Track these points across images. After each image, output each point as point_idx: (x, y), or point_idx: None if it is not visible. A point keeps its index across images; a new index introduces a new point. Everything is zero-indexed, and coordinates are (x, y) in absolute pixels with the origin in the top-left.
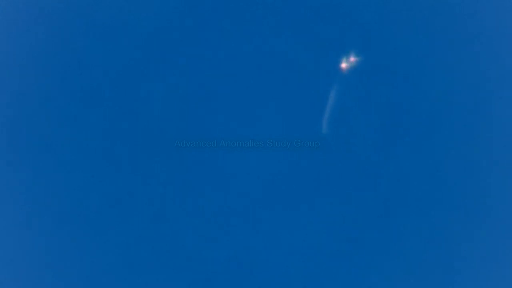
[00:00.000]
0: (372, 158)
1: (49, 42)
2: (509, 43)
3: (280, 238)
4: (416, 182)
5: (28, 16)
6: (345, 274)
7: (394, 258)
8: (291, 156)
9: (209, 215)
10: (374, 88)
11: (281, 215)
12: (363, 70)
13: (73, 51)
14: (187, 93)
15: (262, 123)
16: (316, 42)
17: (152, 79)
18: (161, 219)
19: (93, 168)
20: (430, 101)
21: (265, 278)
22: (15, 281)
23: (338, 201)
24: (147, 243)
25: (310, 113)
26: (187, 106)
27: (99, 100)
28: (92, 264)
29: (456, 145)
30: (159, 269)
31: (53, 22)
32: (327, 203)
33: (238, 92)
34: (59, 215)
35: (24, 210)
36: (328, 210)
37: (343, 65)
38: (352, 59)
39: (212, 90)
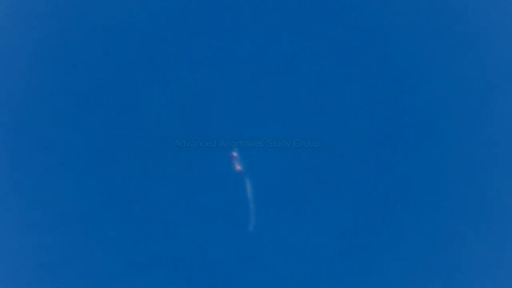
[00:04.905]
0: (372, 158)
1: (49, 43)
2: (509, 43)
3: (279, 237)
4: (416, 182)
5: (28, 16)
6: (345, 274)
7: (394, 258)
8: (291, 156)
9: (209, 214)
10: (374, 89)
11: (281, 214)
12: (363, 71)
13: (73, 51)
14: (187, 94)
15: (262, 123)
16: (316, 42)
17: (152, 79)
18: (161, 218)
19: (93, 167)
20: (430, 102)
21: (265, 277)
22: (15, 281)
23: (337, 201)
24: (147, 242)
25: (310, 113)
26: (187, 107)
27: (100, 100)
28: (91, 263)
29: (456, 145)
30: (158, 268)
31: (53, 22)
32: (326, 203)
33: (238, 93)
34: (58, 215)
35: (24, 210)
36: (328, 210)
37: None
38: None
39: (212, 91)
